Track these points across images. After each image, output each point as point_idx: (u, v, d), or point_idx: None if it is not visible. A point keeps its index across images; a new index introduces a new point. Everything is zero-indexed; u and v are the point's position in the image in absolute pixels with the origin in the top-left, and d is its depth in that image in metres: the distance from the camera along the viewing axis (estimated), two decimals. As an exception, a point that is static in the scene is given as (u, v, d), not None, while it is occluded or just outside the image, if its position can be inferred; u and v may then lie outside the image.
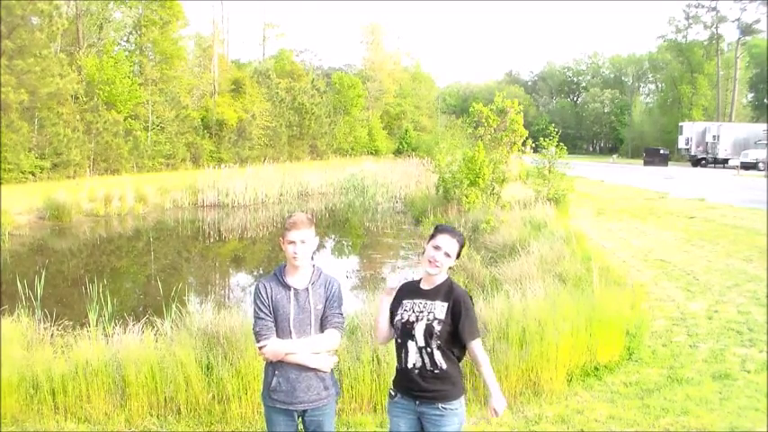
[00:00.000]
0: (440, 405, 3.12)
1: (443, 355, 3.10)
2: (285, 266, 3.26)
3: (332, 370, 3.32)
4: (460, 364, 3.27)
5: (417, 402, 3.15)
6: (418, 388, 3.13)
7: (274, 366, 3.20)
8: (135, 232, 19.66)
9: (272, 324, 3.16)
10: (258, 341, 3.17)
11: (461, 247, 3.19)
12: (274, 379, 3.20)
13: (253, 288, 12.63)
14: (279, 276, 3.24)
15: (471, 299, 3.22)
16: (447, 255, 3.13)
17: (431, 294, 3.16)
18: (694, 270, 10.14)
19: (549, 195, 16.75)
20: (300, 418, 3.29)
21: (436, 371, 3.10)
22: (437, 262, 3.13)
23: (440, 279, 3.20)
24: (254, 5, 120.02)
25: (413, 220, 20.21)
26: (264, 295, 3.18)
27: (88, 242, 17.46)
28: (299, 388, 3.18)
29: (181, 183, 25.79)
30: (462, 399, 3.20)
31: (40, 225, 18.90)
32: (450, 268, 3.24)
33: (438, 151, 21.46)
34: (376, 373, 5.25)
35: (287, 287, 3.19)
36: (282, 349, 3.14)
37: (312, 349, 3.17)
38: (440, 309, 3.11)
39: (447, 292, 3.16)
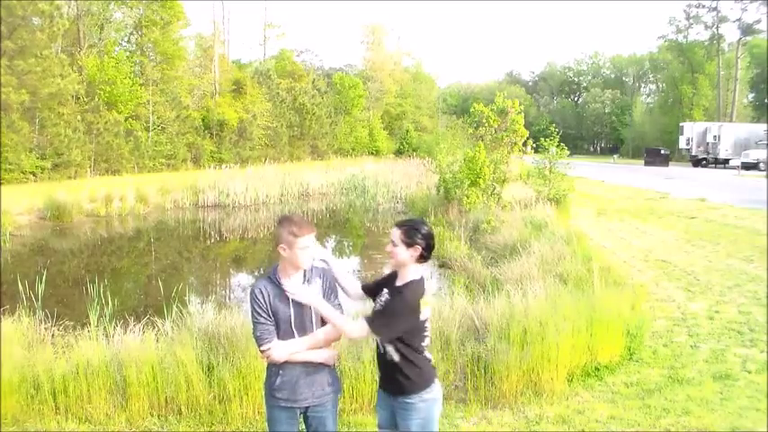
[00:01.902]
0: (399, 398, 3.15)
1: (394, 347, 3.11)
2: (278, 267, 3.21)
3: (334, 366, 3.31)
4: (427, 359, 3.21)
5: (391, 395, 3.20)
6: (385, 378, 3.22)
7: (278, 366, 3.19)
8: (136, 232, 19.67)
9: (273, 327, 3.14)
10: (261, 345, 3.15)
11: (406, 233, 3.15)
12: (278, 378, 3.19)
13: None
14: (273, 278, 3.19)
15: (407, 297, 3.09)
16: (393, 243, 3.16)
17: (396, 288, 3.17)
18: (695, 270, 10.13)
19: (549, 195, 16.74)
20: (302, 416, 3.29)
21: (390, 362, 3.14)
22: (388, 252, 3.20)
23: (410, 275, 3.16)
24: (255, 5, 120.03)
25: (413, 220, 20.18)
26: (262, 300, 3.13)
27: (89, 242, 17.47)
28: (303, 384, 3.17)
29: (181, 183, 25.79)
30: (423, 394, 3.13)
31: (40, 225, 18.92)
32: (400, 262, 3.20)
33: (439, 151, 21.44)
34: (376, 373, 5.24)
35: (283, 288, 3.17)
36: (287, 351, 3.13)
37: (315, 344, 3.16)
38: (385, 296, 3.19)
39: (401, 285, 3.15)
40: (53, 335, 6.05)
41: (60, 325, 6.30)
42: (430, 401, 3.15)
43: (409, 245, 3.13)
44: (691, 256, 11.34)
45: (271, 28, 62.54)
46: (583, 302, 6.49)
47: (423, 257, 3.16)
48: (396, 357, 3.10)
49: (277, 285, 3.15)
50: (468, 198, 16.16)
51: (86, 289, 7.92)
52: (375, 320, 3.10)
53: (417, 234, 3.14)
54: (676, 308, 8.09)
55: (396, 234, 3.15)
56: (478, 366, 5.54)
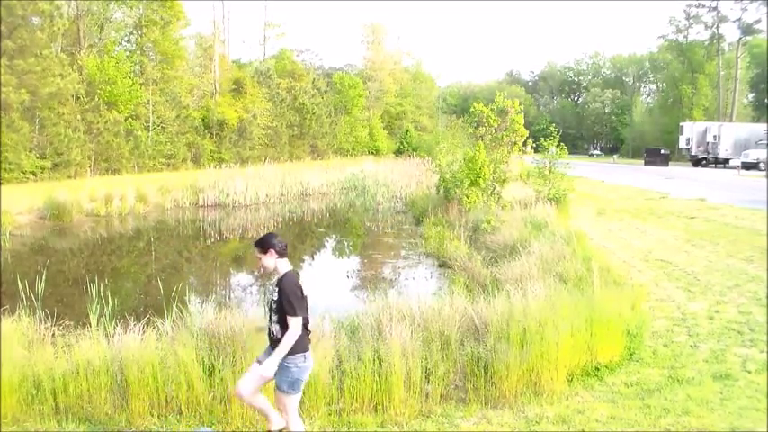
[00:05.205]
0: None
1: (280, 326, 4.10)
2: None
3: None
4: None
5: None
6: (273, 347, 4.16)
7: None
8: (136, 232, 19.67)
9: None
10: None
11: (259, 246, 4.21)
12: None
13: (252, 288, 12.58)
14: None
15: (295, 286, 4.10)
16: (257, 259, 4.20)
17: (278, 282, 4.20)
18: (695, 270, 10.14)
19: (549, 195, 16.73)
20: None
21: (276, 338, 4.12)
22: (260, 269, 4.28)
23: (283, 270, 4.20)
24: (255, 5, 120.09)
25: (413, 219, 20.21)
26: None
27: (89, 242, 17.46)
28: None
29: (181, 182, 25.79)
30: (297, 361, 4.08)
31: (40, 225, 18.91)
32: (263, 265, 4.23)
33: (439, 151, 21.46)
34: (377, 373, 5.25)
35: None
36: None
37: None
38: (275, 292, 4.18)
39: (279, 281, 4.17)
40: (53, 334, 6.05)
41: (60, 324, 6.29)
42: (303, 368, 4.11)
43: (264, 251, 4.19)
44: (691, 256, 11.34)
45: (271, 28, 62.52)
46: (583, 302, 6.50)
47: (280, 253, 4.19)
48: (279, 335, 4.07)
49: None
50: (468, 198, 16.16)
51: (86, 288, 7.93)
52: (288, 310, 4.01)
53: (264, 241, 4.20)
54: (676, 308, 8.09)
55: (255, 252, 4.23)
56: (478, 366, 5.54)
